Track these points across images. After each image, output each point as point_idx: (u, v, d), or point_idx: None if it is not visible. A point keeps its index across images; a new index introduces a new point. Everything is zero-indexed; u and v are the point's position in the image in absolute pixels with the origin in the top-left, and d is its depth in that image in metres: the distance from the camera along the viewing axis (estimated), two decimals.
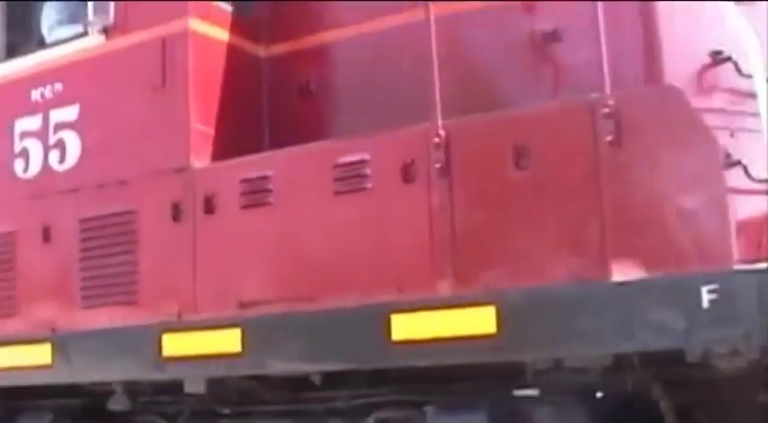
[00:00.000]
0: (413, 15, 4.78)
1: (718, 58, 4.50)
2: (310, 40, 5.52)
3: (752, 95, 4.61)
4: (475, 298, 4.11)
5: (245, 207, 4.88)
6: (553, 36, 4.69)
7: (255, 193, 4.85)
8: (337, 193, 4.60)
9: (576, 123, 4.07)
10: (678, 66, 4.42)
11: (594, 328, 3.87)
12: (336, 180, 4.60)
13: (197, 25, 5.29)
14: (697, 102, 4.14)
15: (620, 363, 4.13)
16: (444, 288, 4.26)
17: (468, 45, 4.86)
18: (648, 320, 3.75)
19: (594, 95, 4.03)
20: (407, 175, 4.41)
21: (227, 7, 5.51)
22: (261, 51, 5.63)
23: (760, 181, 4.13)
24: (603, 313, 3.85)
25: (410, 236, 4.37)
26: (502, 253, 4.17)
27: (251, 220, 4.86)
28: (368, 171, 4.53)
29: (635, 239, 3.90)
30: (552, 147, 4.12)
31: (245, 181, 4.89)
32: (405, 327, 4.26)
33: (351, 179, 4.57)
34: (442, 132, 4.33)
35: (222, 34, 5.43)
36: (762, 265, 3.66)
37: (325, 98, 5.43)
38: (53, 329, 5.42)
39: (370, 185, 4.52)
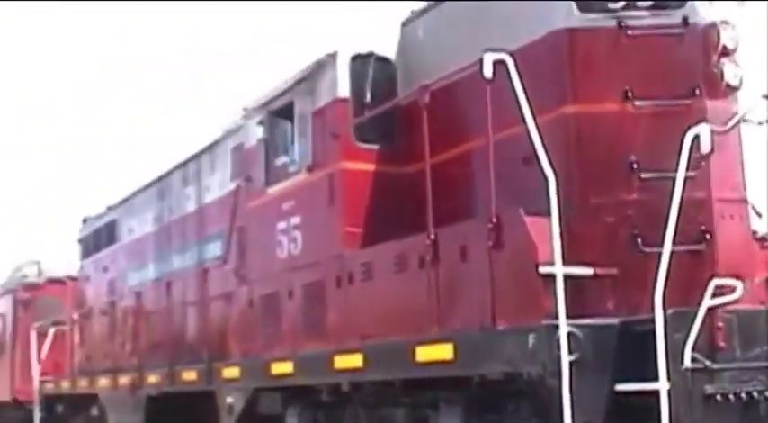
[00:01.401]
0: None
1: (630, 166, 6.83)
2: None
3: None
4: (444, 338, 6.95)
5: (362, 280, 8.09)
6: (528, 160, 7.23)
7: (365, 272, 8.04)
8: (395, 272, 7.65)
9: (480, 234, 6.73)
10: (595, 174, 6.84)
11: (491, 355, 6.55)
12: (394, 264, 7.66)
13: (347, 165, 8.57)
14: (613, 196, 6.66)
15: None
16: (435, 331, 7.14)
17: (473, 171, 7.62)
18: (510, 353, 6.37)
19: (486, 216, 6.67)
20: (421, 262, 7.34)
21: (373, 147, 8.70)
22: (404, 170, 8.72)
23: (644, 252, 6.55)
24: (494, 347, 6.52)
25: (422, 299, 7.29)
26: (455, 311, 6.98)
27: (365, 287, 8.06)
28: (406, 259, 7.52)
29: (506, 304, 6.52)
30: (474, 248, 6.83)
31: (361, 264, 8.10)
32: (420, 354, 7.21)
33: (399, 264, 7.60)
34: (432, 237, 7.20)
35: (368, 166, 8.63)
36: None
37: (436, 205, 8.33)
38: (294, 352, 9.04)
39: (407, 269, 7.51)
